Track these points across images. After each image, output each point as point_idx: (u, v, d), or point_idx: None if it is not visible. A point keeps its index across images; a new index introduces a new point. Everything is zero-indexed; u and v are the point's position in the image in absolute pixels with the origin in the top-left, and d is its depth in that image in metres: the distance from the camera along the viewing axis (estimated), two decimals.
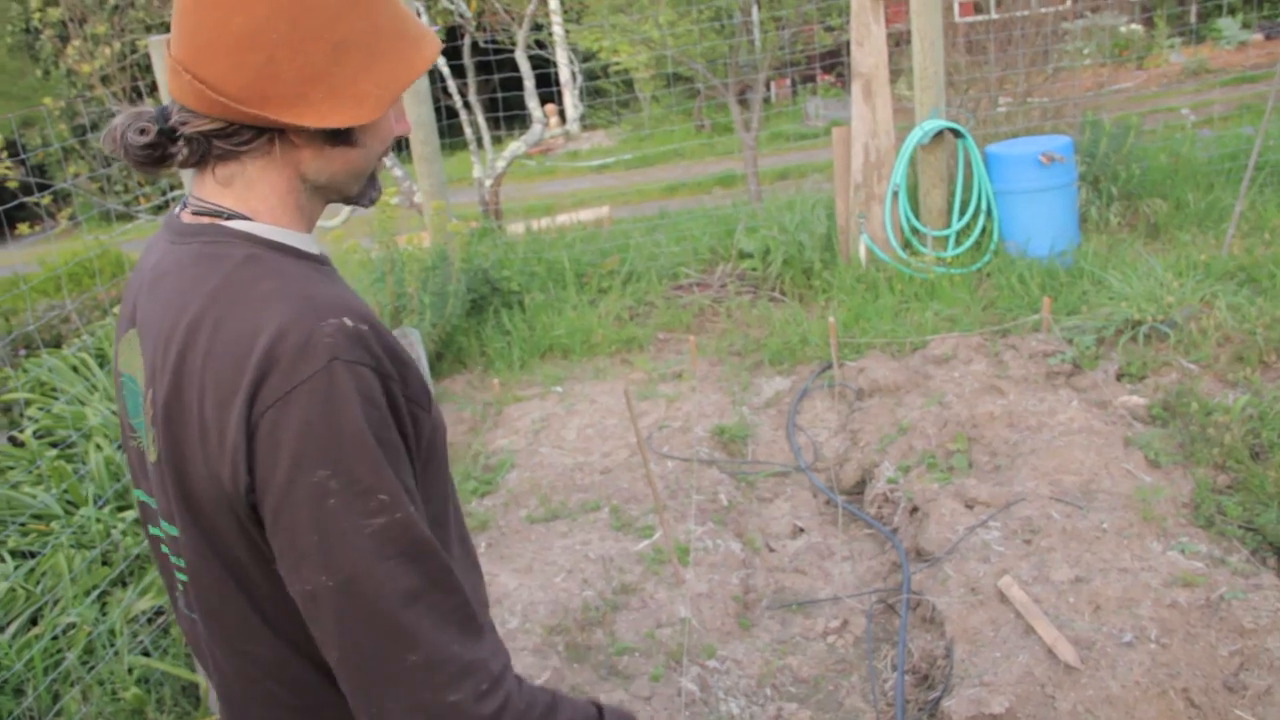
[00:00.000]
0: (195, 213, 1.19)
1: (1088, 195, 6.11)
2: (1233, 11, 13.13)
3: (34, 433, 4.29)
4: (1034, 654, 2.77)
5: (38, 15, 10.07)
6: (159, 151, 1.16)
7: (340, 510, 1.04)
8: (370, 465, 1.05)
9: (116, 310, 5.28)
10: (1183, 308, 4.57)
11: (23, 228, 7.40)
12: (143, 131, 1.15)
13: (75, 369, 4.74)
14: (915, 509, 3.70)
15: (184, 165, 1.17)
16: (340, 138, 1.16)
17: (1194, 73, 12.29)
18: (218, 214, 1.17)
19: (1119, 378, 4.36)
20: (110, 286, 6.12)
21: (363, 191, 1.25)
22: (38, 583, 3.43)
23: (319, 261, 1.22)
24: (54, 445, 4.19)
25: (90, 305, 6.05)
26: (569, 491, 4.15)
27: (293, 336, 1.05)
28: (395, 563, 1.07)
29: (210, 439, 1.08)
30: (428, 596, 1.09)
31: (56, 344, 5.63)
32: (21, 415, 4.64)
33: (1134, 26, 13.38)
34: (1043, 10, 6.89)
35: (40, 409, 4.53)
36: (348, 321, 1.08)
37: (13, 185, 5.73)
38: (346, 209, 7.93)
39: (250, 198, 1.17)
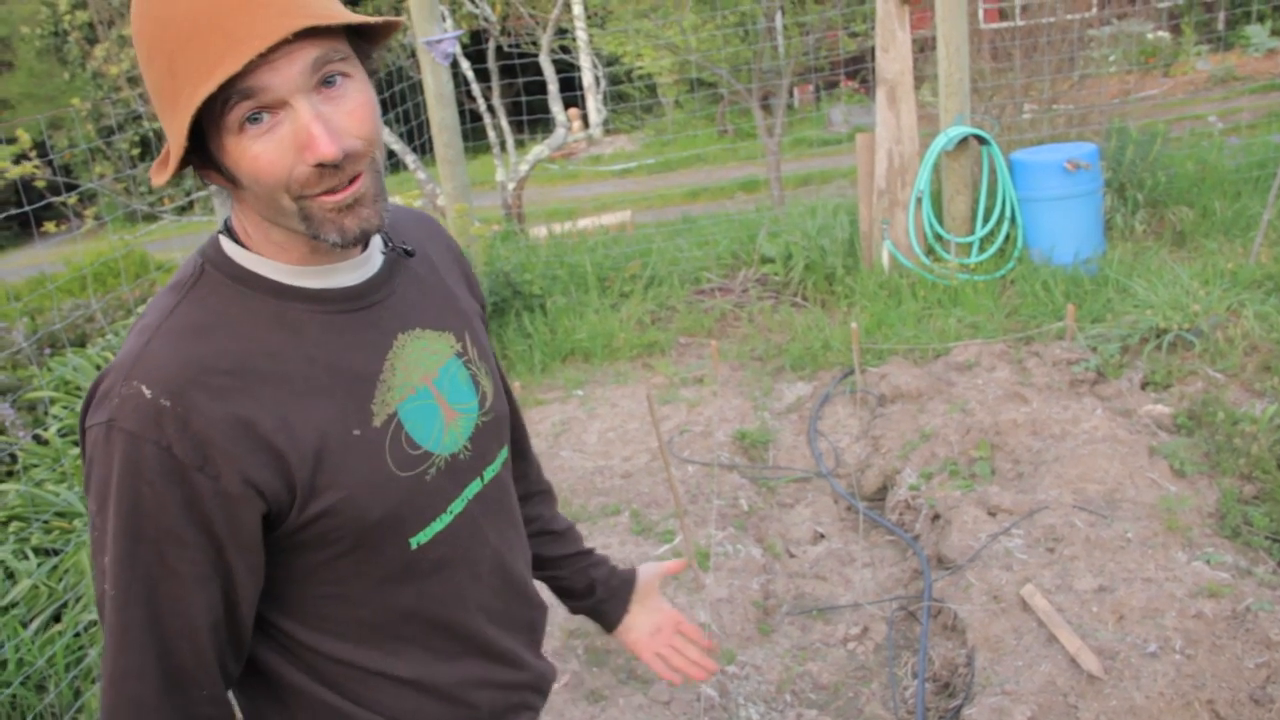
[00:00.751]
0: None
1: (1113, 202, 6.06)
2: (1261, 18, 12.99)
3: (58, 431, 4.32)
4: (1056, 663, 2.74)
5: (66, 18, 10.20)
6: None
7: (99, 544, 1.08)
8: (117, 531, 1.05)
9: (140, 309, 5.32)
10: (1209, 316, 4.53)
11: (49, 226, 7.46)
12: None
13: (99, 368, 4.77)
14: (937, 516, 3.68)
15: None
16: (228, 179, 1.09)
17: (1221, 80, 12.18)
18: (222, 230, 1.18)
19: (1144, 386, 4.33)
20: (134, 286, 6.16)
21: (315, 231, 1.09)
22: (60, 580, 3.45)
23: (301, 298, 1.15)
24: (77, 444, 4.21)
25: (115, 305, 6.09)
26: (589, 495, 4.15)
27: (105, 383, 1.07)
28: (112, 623, 1.08)
29: None
30: (117, 683, 1.09)
31: (81, 343, 5.67)
32: (46, 413, 4.67)
33: (1160, 33, 13.28)
34: (1069, 17, 6.85)
35: (64, 407, 4.56)
36: (146, 392, 1.02)
37: (40, 185, 5.77)
38: None
39: (243, 220, 1.16)
